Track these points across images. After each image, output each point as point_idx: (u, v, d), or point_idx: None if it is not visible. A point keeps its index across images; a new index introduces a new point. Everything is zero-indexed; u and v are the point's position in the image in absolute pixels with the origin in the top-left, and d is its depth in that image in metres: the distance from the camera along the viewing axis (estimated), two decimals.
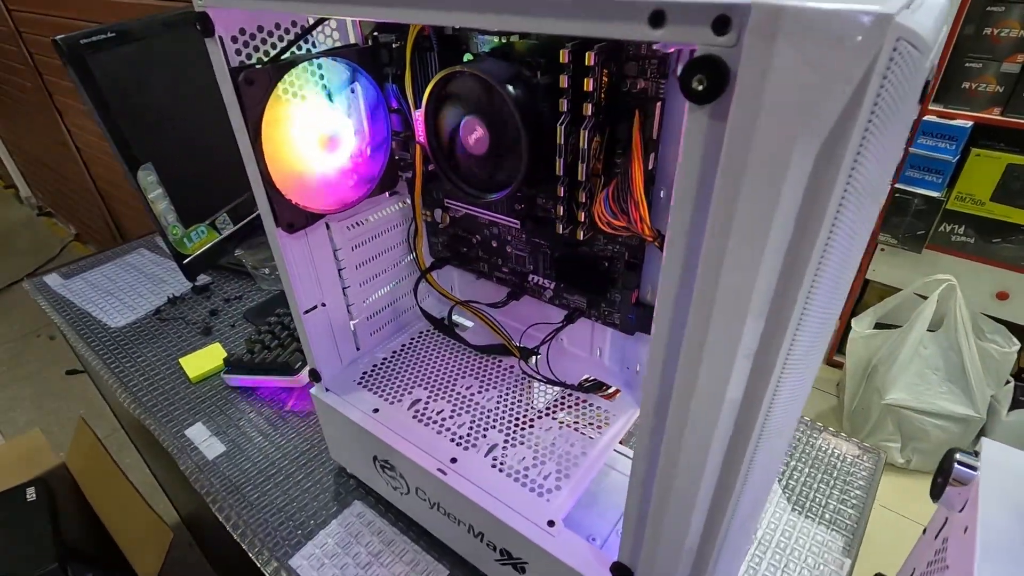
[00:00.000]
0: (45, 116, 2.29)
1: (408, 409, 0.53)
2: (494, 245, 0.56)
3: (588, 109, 0.38)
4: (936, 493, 0.37)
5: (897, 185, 1.58)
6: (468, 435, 0.50)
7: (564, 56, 0.37)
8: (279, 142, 0.43)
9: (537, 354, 0.58)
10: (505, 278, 0.57)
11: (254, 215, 0.90)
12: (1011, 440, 1.46)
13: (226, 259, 0.98)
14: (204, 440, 0.66)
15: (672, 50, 0.35)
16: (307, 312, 0.52)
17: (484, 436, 0.50)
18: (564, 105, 0.39)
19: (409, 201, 0.58)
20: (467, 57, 0.45)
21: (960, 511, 0.36)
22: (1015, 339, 1.48)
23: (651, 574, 0.34)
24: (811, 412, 1.80)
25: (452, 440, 0.50)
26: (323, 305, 0.53)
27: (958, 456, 0.36)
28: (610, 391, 0.55)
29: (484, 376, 0.57)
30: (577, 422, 0.52)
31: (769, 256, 0.21)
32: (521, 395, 0.55)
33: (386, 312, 0.62)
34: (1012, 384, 1.52)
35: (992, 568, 0.30)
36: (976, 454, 0.37)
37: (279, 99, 0.42)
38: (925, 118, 1.49)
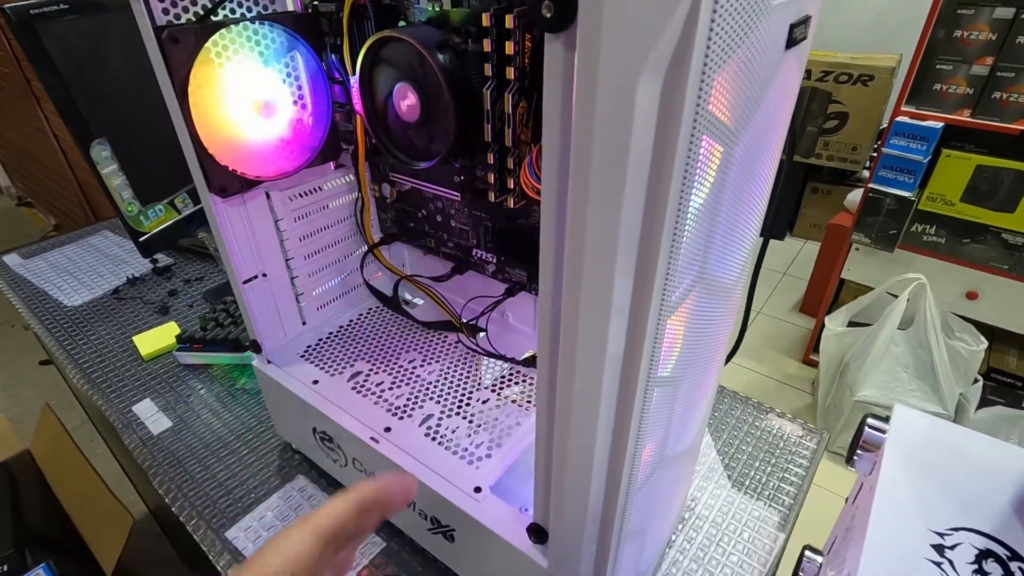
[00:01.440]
0: (24, 104, 2.26)
1: (348, 381, 0.53)
2: (439, 219, 0.56)
3: (511, 73, 0.38)
4: (848, 457, 0.37)
5: (871, 185, 1.60)
6: (405, 406, 0.50)
7: (486, 20, 0.37)
8: (210, 105, 0.43)
9: (484, 331, 0.58)
10: (451, 253, 0.57)
11: None
12: None
13: (189, 241, 0.97)
14: (151, 416, 0.66)
15: None
16: (246, 282, 0.52)
17: (421, 407, 0.50)
18: (489, 70, 0.39)
19: (354, 174, 0.58)
20: (402, 24, 0.46)
21: (870, 474, 0.36)
22: (983, 338, 1.50)
23: (561, 531, 0.34)
24: (786, 409, 1.81)
25: (388, 411, 0.50)
26: (264, 275, 0.53)
27: (869, 420, 0.37)
28: None
29: (428, 351, 0.57)
30: (515, 394, 0.52)
31: (630, 198, 0.21)
32: (464, 370, 0.55)
33: (334, 287, 0.61)
34: (980, 383, 1.54)
35: (886, 519, 0.30)
36: (888, 419, 0.37)
37: (209, 60, 0.41)
38: (898, 119, 1.51)
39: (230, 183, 0.46)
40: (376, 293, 0.62)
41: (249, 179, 0.47)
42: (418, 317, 0.61)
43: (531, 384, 0.53)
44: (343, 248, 0.61)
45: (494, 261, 0.54)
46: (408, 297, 0.66)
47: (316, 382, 0.53)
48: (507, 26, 0.37)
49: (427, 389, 0.52)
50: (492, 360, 0.56)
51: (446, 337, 0.59)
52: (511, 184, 0.43)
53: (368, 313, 0.63)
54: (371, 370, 0.54)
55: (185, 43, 0.39)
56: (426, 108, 0.43)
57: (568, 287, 0.24)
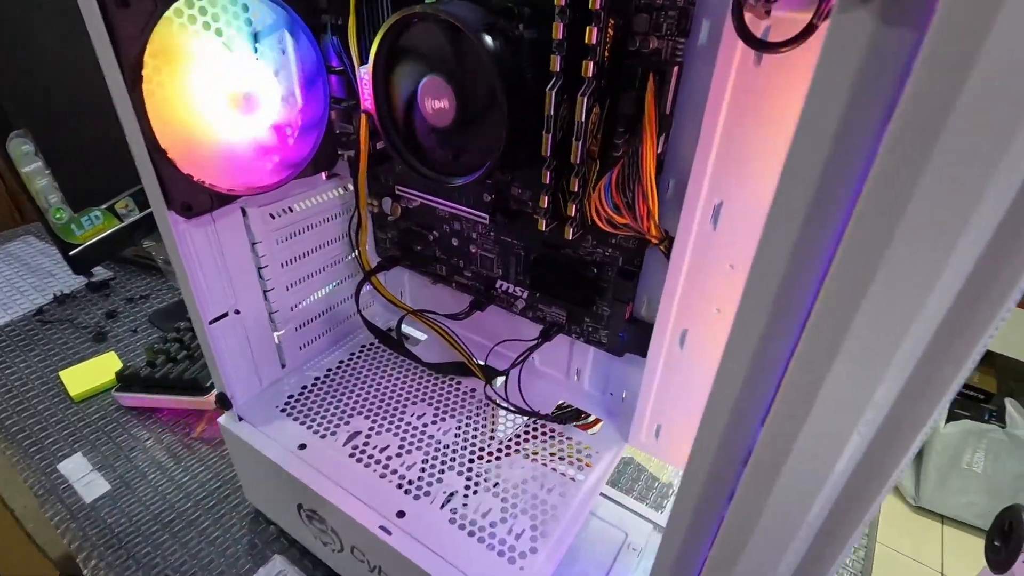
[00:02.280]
0: None
1: (344, 445, 0.43)
2: (455, 244, 0.46)
3: (590, 69, 0.29)
4: (1001, 565, 0.30)
5: None
6: (420, 479, 0.40)
7: None
8: (171, 96, 0.32)
9: (503, 375, 0.49)
10: (467, 284, 0.48)
11: None
12: (948, 452, 1.48)
13: (132, 250, 0.83)
14: (83, 476, 0.53)
15: None
16: (214, 321, 0.41)
17: (440, 481, 0.40)
18: (557, 64, 0.30)
19: (352, 186, 0.48)
20: (429, 1, 0.36)
21: None
22: None
23: None
24: None
25: (400, 486, 0.40)
26: (236, 312, 0.42)
27: None
28: (588, 420, 0.47)
29: (440, 402, 0.47)
30: (552, 459, 0.43)
31: (951, 272, 0.12)
32: (485, 426, 0.45)
33: (320, 321, 0.51)
34: None
35: None
36: None
37: (171, 36, 0.31)
38: None
39: (197, 199, 0.35)
40: (372, 328, 0.51)
41: (221, 193, 0.36)
42: (421, 356, 0.51)
43: (563, 442, 0.44)
44: (333, 275, 0.50)
45: (524, 296, 0.45)
46: (408, 332, 0.56)
47: (303, 447, 0.42)
48: (591, 6, 0.28)
49: (444, 455, 0.42)
50: (510, 412, 0.46)
51: (459, 384, 0.49)
52: (571, 210, 0.34)
53: (361, 352, 0.52)
54: (372, 429, 0.44)
55: (138, 9, 0.28)
56: (464, 109, 0.33)
57: (797, 381, 0.16)
